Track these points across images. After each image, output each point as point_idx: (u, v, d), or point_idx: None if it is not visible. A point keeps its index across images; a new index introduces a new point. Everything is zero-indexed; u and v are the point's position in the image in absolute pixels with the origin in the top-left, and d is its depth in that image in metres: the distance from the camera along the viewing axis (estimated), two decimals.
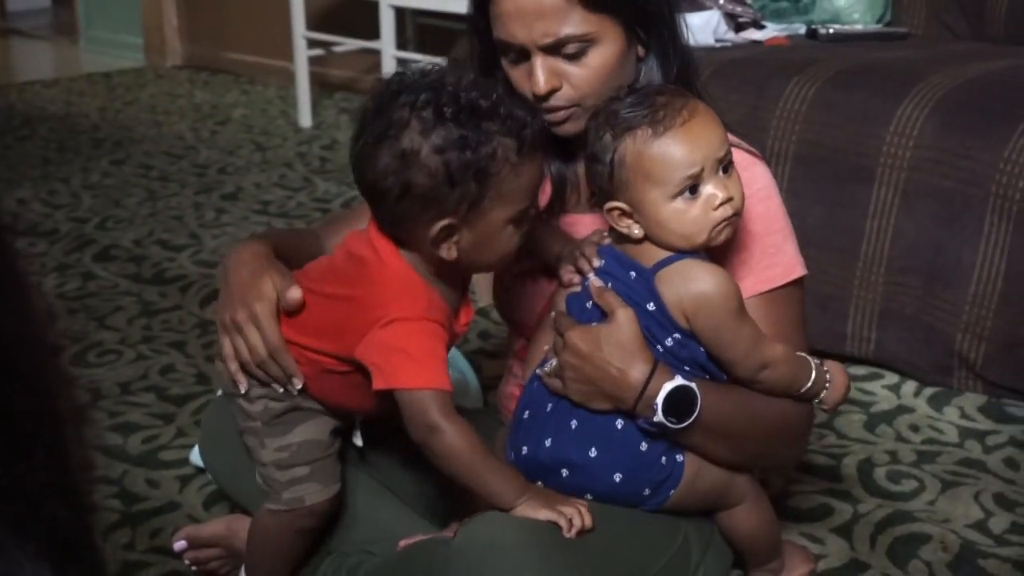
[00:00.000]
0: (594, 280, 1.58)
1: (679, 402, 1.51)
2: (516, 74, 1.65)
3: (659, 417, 1.51)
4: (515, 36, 1.61)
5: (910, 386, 2.64)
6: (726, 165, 1.52)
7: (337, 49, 5.08)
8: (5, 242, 0.64)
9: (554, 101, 1.63)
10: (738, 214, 1.54)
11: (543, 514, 1.51)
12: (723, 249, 1.59)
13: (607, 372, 1.52)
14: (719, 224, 1.51)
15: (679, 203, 1.50)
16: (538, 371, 1.60)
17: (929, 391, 2.61)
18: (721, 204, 1.50)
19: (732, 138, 1.62)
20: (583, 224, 1.73)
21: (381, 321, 1.54)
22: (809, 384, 1.60)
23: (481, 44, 1.71)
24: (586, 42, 1.60)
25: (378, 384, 1.53)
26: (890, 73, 2.76)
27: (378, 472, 1.81)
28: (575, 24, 1.58)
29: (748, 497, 1.67)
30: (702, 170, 1.49)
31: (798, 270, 1.70)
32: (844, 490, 2.23)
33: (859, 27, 3.26)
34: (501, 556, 1.45)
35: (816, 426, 2.44)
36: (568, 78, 1.61)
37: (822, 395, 1.62)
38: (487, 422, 1.82)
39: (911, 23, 3.35)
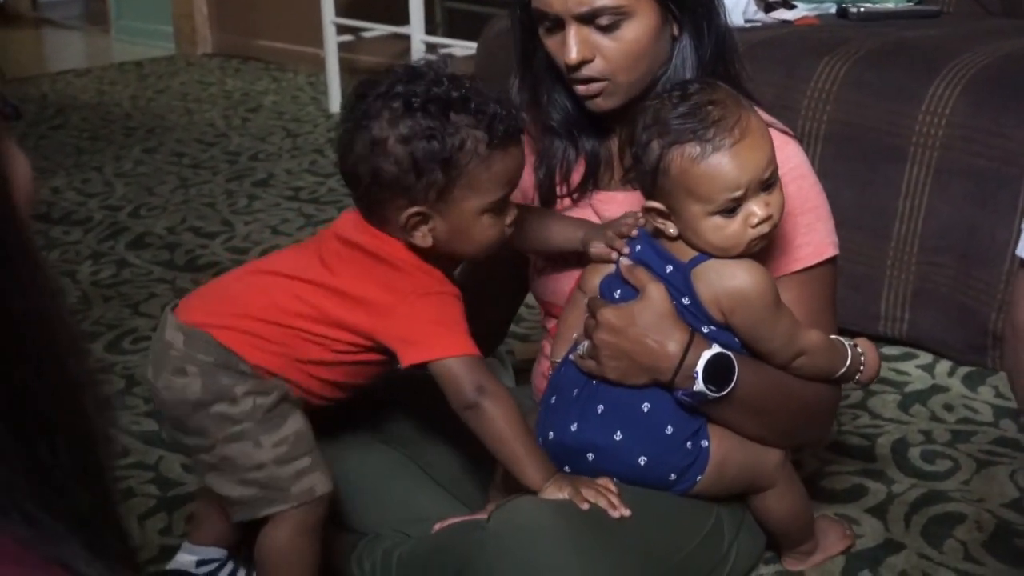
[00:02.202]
0: (624, 261, 1.58)
1: (718, 369, 1.52)
2: (551, 44, 1.66)
3: (699, 386, 1.51)
4: (551, 4, 1.61)
5: (944, 366, 2.62)
6: (770, 183, 1.51)
7: (367, 35, 5.08)
8: (20, 222, 0.64)
9: (586, 71, 1.63)
10: (775, 227, 1.53)
11: (567, 492, 1.53)
12: None
13: (644, 345, 1.52)
14: (754, 240, 1.51)
15: (718, 219, 1.50)
16: (571, 355, 1.60)
17: (963, 370, 2.59)
18: (760, 223, 1.50)
19: (765, 116, 1.61)
20: (616, 202, 1.73)
21: (402, 297, 1.57)
22: (844, 369, 1.60)
23: (521, 16, 1.71)
24: (620, 14, 1.60)
25: (411, 358, 1.56)
26: (922, 52, 2.74)
27: (414, 454, 1.81)
28: None
29: (779, 481, 1.67)
30: (746, 191, 1.49)
31: (830, 250, 1.69)
32: (878, 470, 2.22)
33: (890, 5, 3.23)
34: (535, 538, 1.46)
35: (850, 406, 2.44)
36: (601, 50, 1.62)
37: (857, 377, 1.61)
38: (521, 403, 1.82)
39: (943, 1, 3.32)
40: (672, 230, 1.53)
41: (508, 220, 1.62)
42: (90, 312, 3.07)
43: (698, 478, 1.59)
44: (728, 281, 1.52)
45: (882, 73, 2.68)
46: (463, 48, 4.59)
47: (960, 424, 2.38)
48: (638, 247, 1.59)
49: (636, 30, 1.61)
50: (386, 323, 1.58)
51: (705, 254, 1.53)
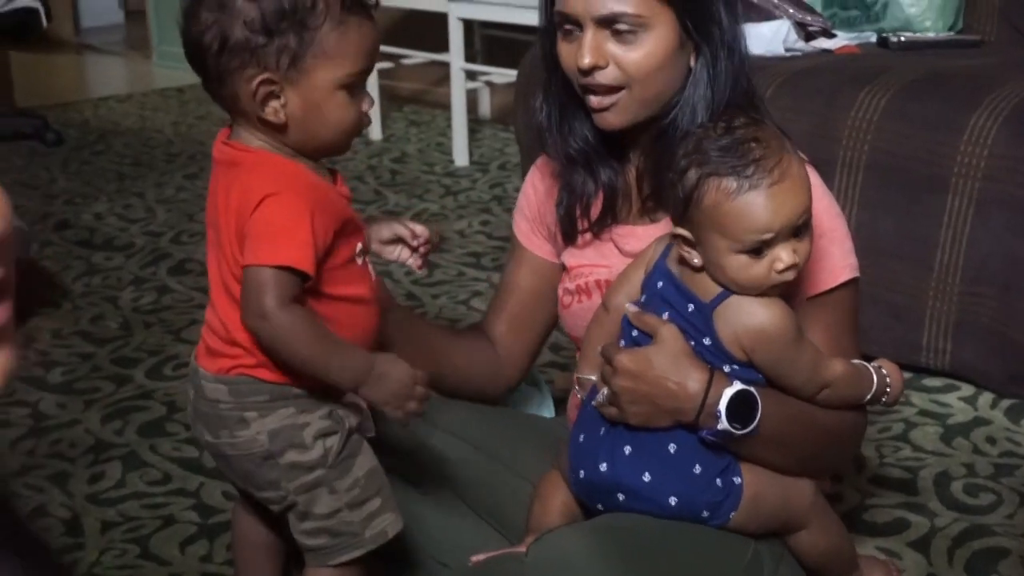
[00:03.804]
0: (630, 308, 1.58)
1: (742, 406, 1.51)
2: (566, 51, 1.67)
3: (723, 424, 1.50)
4: (572, 7, 1.63)
5: (986, 398, 2.61)
6: (801, 228, 1.50)
7: (406, 62, 5.11)
8: None
9: (599, 77, 1.64)
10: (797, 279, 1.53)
11: (381, 403, 1.52)
12: None
13: (664, 387, 1.52)
14: (777, 285, 1.50)
15: (743, 258, 1.48)
16: (592, 403, 1.59)
17: (1006, 403, 2.58)
18: (785, 269, 1.49)
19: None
20: (636, 236, 1.73)
21: (251, 206, 1.49)
22: (871, 393, 1.59)
23: (548, 38, 1.73)
24: (638, 25, 1.61)
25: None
26: (963, 81, 2.73)
27: (453, 485, 1.81)
28: (632, 3, 1.60)
29: (813, 519, 1.65)
30: (776, 236, 1.47)
31: (846, 273, 1.68)
32: (920, 503, 2.21)
33: (931, 35, 3.23)
34: (573, 572, 1.46)
35: (891, 439, 2.43)
36: (615, 59, 1.63)
37: (883, 399, 1.61)
38: (561, 433, 1.82)
39: (984, 30, 3.31)
40: (697, 261, 1.53)
41: (364, 106, 1.55)
42: (131, 338, 3.09)
43: (732, 515, 1.58)
44: (748, 319, 1.51)
45: (923, 103, 2.67)
46: (502, 75, 4.61)
47: (1003, 457, 2.37)
48: (660, 284, 1.58)
49: (652, 43, 1.62)
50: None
51: (727, 290, 1.52)
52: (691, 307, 1.54)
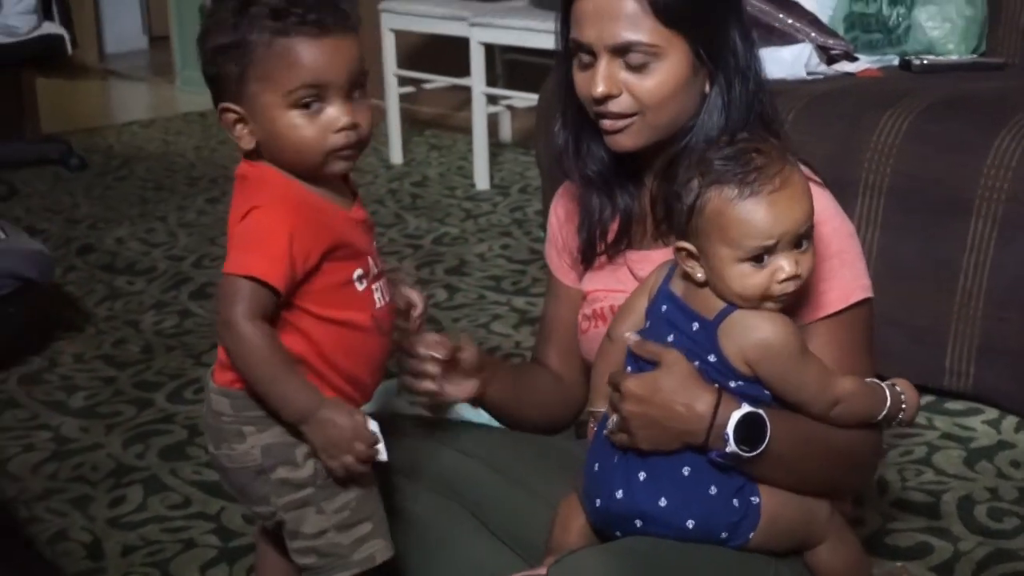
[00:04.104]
0: (631, 337, 1.58)
1: (749, 429, 1.51)
2: (581, 79, 1.68)
3: (731, 447, 1.50)
4: (586, 36, 1.64)
5: (1010, 421, 2.59)
6: (803, 240, 1.51)
7: (428, 86, 5.13)
8: None
9: (612, 106, 1.65)
10: (800, 286, 1.53)
11: (319, 449, 1.54)
12: None
13: (673, 410, 1.52)
14: (777, 295, 1.51)
15: (745, 267, 1.49)
16: (604, 432, 1.59)
17: None
18: (786, 279, 1.49)
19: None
20: (650, 261, 1.73)
21: (238, 217, 1.55)
22: (885, 411, 1.59)
23: (564, 64, 1.73)
24: (652, 54, 1.62)
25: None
26: (986, 104, 2.73)
27: (472, 506, 1.81)
28: (645, 32, 1.61)
29: (831, 534, 1.65)
30: (776, 243, 1.48)
31: (858, 293, 1.67)
32: (944, 528, 2.19)
33: (953, 58, 3.22)
34: None
35: (913, 462, 2.42)
36: (628, 87, 1.64)
37: (899, 417, 1.60)
38: (580, 454, 1.82)
39: (1007, 53, 3.30)
40: (700, 274, 1.53)
41: (340, 123, 1.55)
42: (153, 362, 3.10)
43: (751, 535, 1.58)
44: (752, 333, 1.52)
45: (946, 126, 2.67)
46: (523, 99, 4.62)
47: None
48: (664, 308, 1.59)
49: (665, 72, 1.63)
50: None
51: (730, 306, 1.52)
52: (695, 325, 1.54)
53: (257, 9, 1.53)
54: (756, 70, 1.69)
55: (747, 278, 1.49)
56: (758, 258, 1.49)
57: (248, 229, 1.54)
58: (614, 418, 1.56)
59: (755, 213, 1.48)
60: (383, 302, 1.66)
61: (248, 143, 1.57)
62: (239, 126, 1.57)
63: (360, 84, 1.58)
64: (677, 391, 1.52)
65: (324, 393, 1.58)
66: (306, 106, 1.54)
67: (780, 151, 1.53)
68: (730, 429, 1.50)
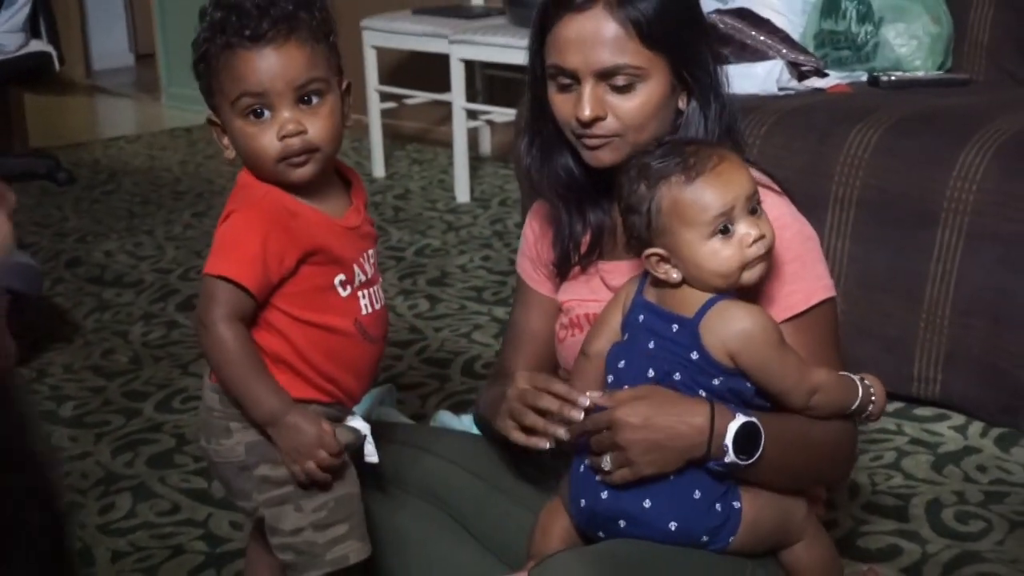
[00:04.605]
0: (594, 395, 1.58)
1: (746, 438, 1.53)
2: (561, 101, 1.69)
3: (730, 457, 1.52)
4: (570, 62, 1.65)
5: (976, 427, 2.62)
6: (755, 206, 1.56)
7: (409, 102, 5.14)
8: None
9: (597, 129, 1.66)
10: (770, 251, 1.56)
11: (284, 453, 1.57)
12: (747, 287, 1.60)
13: (674, 429, 1.52)
14: (753, 261, 1.54)
15: (715, 243, 1.53)
16: (598, 477, 1.59)
17: (996, 432, 2.59)
18: (754, 242, 1.53)
19: (754, 173, 1.64)
20: (620, 271, 1.75)
21: (220, 221, 1.60)
22: (858, 401, 1.61)
23: (538, 86, 1.74)
24: (636, 76, 1.64)
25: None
26: (952, 119, 2.76)
27: (456, 512, 1.82)
28: (630, 55, 1.63)
29: (806, 533, 1.67)
30: (733, 208, 1.53)
31: (820, 293, 1.69)
32: (912, 530, 2.21)
33: (920, 74, 3.25)
34: None
35: (884, 467, 2.44)
36: (613, 109, 1.65)
37: (869, 408, 1.63)
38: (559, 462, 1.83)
39: (972, 69, 3.34)
40: (675, 275, 1.56)
41: (278, 132, 1.56)
42: (141, 372, 3.11)
43: (731, 539, 1.59)
44: (733, 324, 1.54)
45: (913, 140, 2.70)
46: (502, 114, 4.64)
47: (993, 485, 2.38)
48: (641, 318, 1.60)
49: (648, 92, 1.65)
50: None
51: (710, 301, 1.54)
52: (675, 327, 1.56)
53: (209, 23, 1.57)
54: (726, 87, 1.72)
55: (720, 253, 1.53)
56: (724, 230, 1.53)
57: (224, 232, 1.58)
58: (607, 459, 1.56)
59: (706, 188, 1.53)
60: (372, 309, 1.67)
61: (230, 153, 1.60)
62: (224, 137, 1.60)
63: (313, 91, 1.59)
64: (670, 410, 1.53)
65: (305, 393, 1.61)
66: (254, 114, 1.57)
67: (706, 141, 1.61)
68: (729, 440, 1.51)
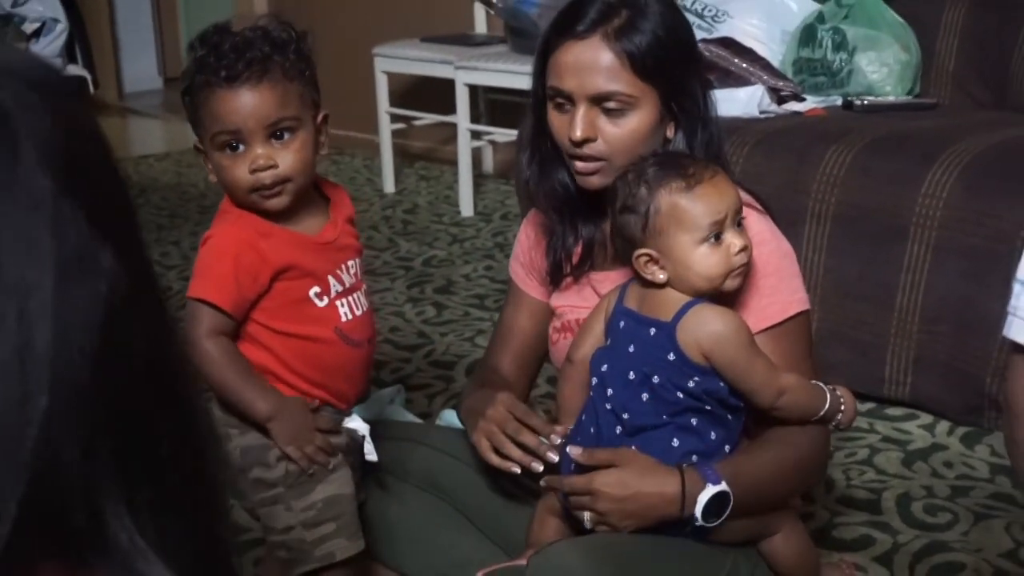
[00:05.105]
0: (572, 450, 1.58)
1: (714, 507, 1.53)
2: (557, 121, 1.68)
3: (699, 523, 1.53)
4: (567, 85, 1.64)
5: (944, 426, 2.61)
6: (740, 220, 1.57)
7: (417, 123, 5.14)
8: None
9: (588, 150, 1.65)
10: (749, 262, 1.57)
11: (285, 442, 1.59)
12: (725, 294, 1.60)
13: (646, 502, 1.53)
14: (736, 269, 1.55)
15: (705, 248, 1.53)
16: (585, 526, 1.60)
17: (961, 430, 2.58)
18: (739, 251, 1.54)
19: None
20: (610, 280, 1.75)
21: (200, 246, 1.63)
22: (826, 407, 1.60)
23: (539, 105, 1.74)
24: (627, 103, 1.63)
25: None
26: (920, 140, 2.76)
27: (458, 503, 1.82)
28: (622, 83, 1.62)
29: (784, 525, 1.67)
30: (725, 218, 1.54)
31: (795, 306, 1.68)
32: (884, 522, 2.21)
33: (891, 99, 3.25)
34: None
35: (857, 463, 2.43)
36: (603, 133, 1.64)
37: (838, 417, 1.62)
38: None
39: (939, 94, 3.34)
40: (662, 276, 1.55)
41: (250, 165, 1.58)
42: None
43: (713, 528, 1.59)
44: (706, 326, 1.54)
45: (885, 160, 2.70)
46: (503, 135, 4.64)
47: (959, 480, 2.37)
48: (622, 324, 1.60)
49: (638, 120, 1.64)
50: None
51: (686, 305, 1.54)
52: (653, 331, 1.56)
53: (193, 59, 1.59)
54: (715, 116, 1.71)
55: (709, 258, 1.53)
56: (715, 236, 1.53)
57: (202, 257, 1.62)
58: (588, 516, 1.57)
59: (704, 196, 1.53)
60: (352, 315, 1.68)
61: (213, 177, 1.62)
62: (208, 163, 1.62)
63: (285, 128, 1.59)
64: (645, 482, 1.53)
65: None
66: (229, 148, 1.58)
67: (699, 158, 1.61)
68: (699, 511, 1.52)
